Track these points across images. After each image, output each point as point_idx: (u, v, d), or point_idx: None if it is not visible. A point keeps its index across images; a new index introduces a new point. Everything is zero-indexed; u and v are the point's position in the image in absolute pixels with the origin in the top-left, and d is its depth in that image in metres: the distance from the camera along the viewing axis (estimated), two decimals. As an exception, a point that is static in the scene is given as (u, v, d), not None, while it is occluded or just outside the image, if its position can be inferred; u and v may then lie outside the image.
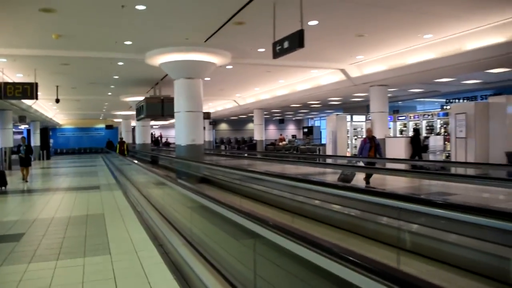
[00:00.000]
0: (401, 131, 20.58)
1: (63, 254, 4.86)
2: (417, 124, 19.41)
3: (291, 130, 43.46)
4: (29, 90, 11.94)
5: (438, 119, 18.31)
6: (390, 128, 19.90)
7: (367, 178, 9.06)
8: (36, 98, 12.33)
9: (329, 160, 15.71)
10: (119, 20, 8.59)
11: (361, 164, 10.62)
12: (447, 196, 6.83)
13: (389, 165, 10.65)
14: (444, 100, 23.60)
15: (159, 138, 40.70)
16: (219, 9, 8.06)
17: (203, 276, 3.45)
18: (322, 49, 11.62)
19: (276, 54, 7.44)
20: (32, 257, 4.73)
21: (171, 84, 12.76)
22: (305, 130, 38.06)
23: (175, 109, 12.23)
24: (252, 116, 26.74)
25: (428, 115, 19.23)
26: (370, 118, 15.51)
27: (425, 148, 15.65)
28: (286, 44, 7.04)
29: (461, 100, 21.62)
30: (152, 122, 30.33)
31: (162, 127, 43.21)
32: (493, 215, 3.11)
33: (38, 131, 27.64)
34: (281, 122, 41.39)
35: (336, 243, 1.97)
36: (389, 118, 18.97)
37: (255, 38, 10.25)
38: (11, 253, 4.90)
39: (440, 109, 20.59)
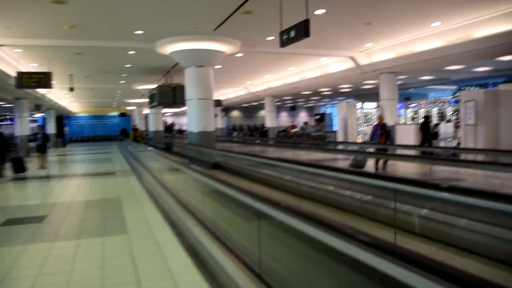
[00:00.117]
0: (412, 118, 20.56)
1: (83, 233, 5.21)
2: (428, 111, 19.36)
3: (302, 117, 43.44)
4: (43, 79, 12.30)
5: (449, 106, 18.24)
6: (401, 115, 19.89)
7: (384, 164, 9.33)
8: (51, 87, 12.69)
9: (339, 147, 15.82)
10: (130, 10, 8.80)
11: (372, 150, 10.77)
12: (454, 182, 6.96)
13: (400, 152, 10.78)
14: (456, 87, 23.42)
15: (172, 126, 41.11)
16: (227, -1, 8.18)
17: (215, 253, 3.73)
18: (330, 37, 11.68)
19: (283, 43, 7.56)
20: (55, 236, 5.10)
21: (182, 72, 12.97)
22: (317, 117, 38.11)
23: (187, 97, 12.49)
24: (264, 103, 26.88)
25: (439, 103, 19.16)
26: (380, 105, 15.54)
27: (435, 135, 15.68)
28: (292, 33, 7.13)
29: (472, 88, 21.45)
30: (164, 110, 30.71)
31: (174, 114, 43.58)
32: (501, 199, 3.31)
33: (53, 119, 28.09)
34: (293, 109, 41.43)
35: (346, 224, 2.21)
36: (400, 106, 18.96)
37: (264, 27, 10.35)
38: (36, 233, 5.26)
39: (451, 97, 20.49)
